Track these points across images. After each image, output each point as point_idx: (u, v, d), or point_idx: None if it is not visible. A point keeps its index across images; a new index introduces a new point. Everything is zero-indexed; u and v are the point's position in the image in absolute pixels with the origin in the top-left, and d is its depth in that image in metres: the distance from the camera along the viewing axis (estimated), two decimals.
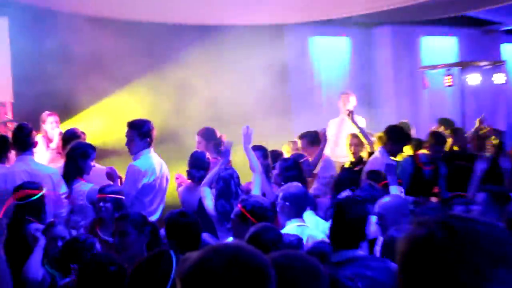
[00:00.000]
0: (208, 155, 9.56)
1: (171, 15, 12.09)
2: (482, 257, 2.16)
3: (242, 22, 12.89)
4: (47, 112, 10.75)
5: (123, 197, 7.81)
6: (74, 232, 7.00)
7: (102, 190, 7.78)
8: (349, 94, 12.62)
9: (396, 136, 10.32)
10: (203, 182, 8.36)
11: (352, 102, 12.29)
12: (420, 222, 2.26)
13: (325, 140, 10.01)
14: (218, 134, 10.35)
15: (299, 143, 11.04)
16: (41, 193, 7.17)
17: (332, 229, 5.66)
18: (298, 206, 6.76)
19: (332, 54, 16.30)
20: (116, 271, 4.80)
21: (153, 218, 8.46)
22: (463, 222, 2.23)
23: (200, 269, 2.27)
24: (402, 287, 2.33)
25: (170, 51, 12.80)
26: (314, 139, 10.54)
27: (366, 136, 11.21)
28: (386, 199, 6.89)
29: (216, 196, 8.07)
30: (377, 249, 6.33)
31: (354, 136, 11.42)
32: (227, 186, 7.99)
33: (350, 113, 11.62)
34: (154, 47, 12.56)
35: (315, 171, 9.70)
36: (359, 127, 11.40)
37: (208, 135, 10.32)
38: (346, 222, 5.52)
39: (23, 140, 8.32)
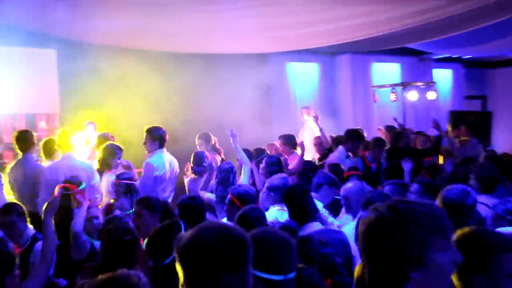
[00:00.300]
0: (206, 153, 9.69)
1: (180, 45, 12.06)
2: (422, 230, 2.27)
3: (236, 51, 12.88)
4: (88, 120, 10.84)
5: (134, 182, 7.87)
6: (118, 212, 7.12)
7: (118, 176, 7.90)
8: (309, 108, 13.19)
9: (354, 137, 10.49)
10: (200, 187, 8.62)
11: (312, 113, 12.56)
12: (373, 207, 2.39)
13: (304, 149, 10.03)
14: (213, 138, 10.56)
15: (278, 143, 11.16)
16: (82, 187, 7.13)
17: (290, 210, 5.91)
18: (279, 194, 6.64)
19: (304, 76, 16.41)
20: (130, 240, 4.81)
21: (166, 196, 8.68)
22: (406, 204, 2.34)
23: (195, 242, 2.31)
24: (364, 262, 2.42)
25: (180, 72, 12.76)
26: (288, 141, 10.76)
27: (324, 136, 11.51)
28: (349, 185, 6.94)
29: (216, 183, 8.16)
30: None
31: (317, 137, 11.73)
32: (227, 176, 8.05)
33: (316, 118, 11.76)
34: (166, 70, 12.47)
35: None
36: (320, 130, 11.60)
37: (206, 138, 10.47)
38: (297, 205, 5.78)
39: (66, 142, 8.35)
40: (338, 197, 7.35)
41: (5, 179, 8.43)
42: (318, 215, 6.02)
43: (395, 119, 13.07)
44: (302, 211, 5.77)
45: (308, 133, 12.76)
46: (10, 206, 6.57)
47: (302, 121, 13.21)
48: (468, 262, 2.49)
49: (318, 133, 11.85)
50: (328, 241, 4.31)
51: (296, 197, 5.89)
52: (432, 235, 2.26)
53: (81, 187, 7.03)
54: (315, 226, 5.62)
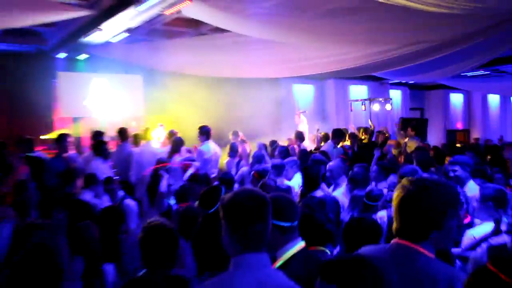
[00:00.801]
0: (238, 144, 9.75)
1: (222, 72, 12.01)
2: (443, 202, 2.25)
3: (257, 76, 12.79)
4: (159, 123, 10.86)
5: (191, 163, 7.78)
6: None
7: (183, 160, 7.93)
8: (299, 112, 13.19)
9: (337, 134, 10.42)
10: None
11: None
12: (408, 182, 2.36)
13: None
14: (240, 134, 10.58)
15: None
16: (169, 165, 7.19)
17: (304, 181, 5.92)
18: (295, 168, 7.04)
19: (304, 93, 16.22)
20: None
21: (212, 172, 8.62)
22: (431, 182, 2.31)
23: (232, 201, 2.30)
24: (397, 222, 2.37)
25: (221, 90, 12.77)
26: (298, 136, 10.91)
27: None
28: (332, 163, 7.07)
29: (253, 162, 8.20)
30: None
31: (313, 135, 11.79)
32: (260, 159, 7.97)
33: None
34: (212, 88, 12.51)
35: None
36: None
37: (236, 134, 10.60)
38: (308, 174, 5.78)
39: (147, 136, 8.36)
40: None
41: None
42: (321, 185, 5.96)
43: (370, 122, 13.46)
44: (311, 182, 5.74)
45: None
46: (110, 178, 6.52)
47: (297, 123, 13.00)
48: None
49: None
50: (326, 201, 4.52)
51: (308, 173, 5.86)
52: (449, 207, 2.26)
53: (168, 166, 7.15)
54: (319, 192, 5.63)
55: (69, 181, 6.32)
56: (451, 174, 5.87)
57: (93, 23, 8.77)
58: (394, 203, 2.38)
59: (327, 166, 7.03)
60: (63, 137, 7.98)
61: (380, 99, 15.91)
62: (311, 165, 6.49)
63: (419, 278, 2.22)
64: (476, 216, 4.68)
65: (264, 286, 2.16)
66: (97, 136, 8.80)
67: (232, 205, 2.29)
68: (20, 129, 10.45)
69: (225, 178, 6.25)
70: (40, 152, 8.55)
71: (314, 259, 2.86)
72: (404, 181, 2.39)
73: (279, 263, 2.74)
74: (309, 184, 5.76)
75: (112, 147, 9.50)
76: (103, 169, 7.32)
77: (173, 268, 3.35)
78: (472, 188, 5.54)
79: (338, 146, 10.25)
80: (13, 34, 10.21)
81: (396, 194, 2.37)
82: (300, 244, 2.85)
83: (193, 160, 8.07)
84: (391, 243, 2.41)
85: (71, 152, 8.44)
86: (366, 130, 12.64)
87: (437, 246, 2.33)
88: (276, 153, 9.08)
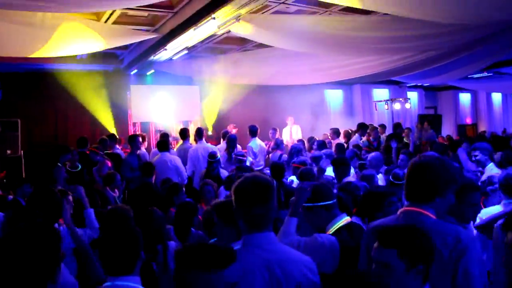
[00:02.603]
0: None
1: (265, 80, 12.03)
2: (447, 176, 2.27)
3: (295, 83, 12.79)
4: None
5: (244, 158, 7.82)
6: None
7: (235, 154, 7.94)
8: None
9: (362, 127, 10.51)
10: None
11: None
12: (422, 156, 2.39)
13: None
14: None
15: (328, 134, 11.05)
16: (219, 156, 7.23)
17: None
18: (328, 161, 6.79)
19: (334, 96, 16.11)
20: None
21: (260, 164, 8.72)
22: (440, 160, 2.34)
23: (238, 185, 2.18)
24: (407, 187, 2.38)
25: (265, 96, 12.80)
26: (334, 132, 10.60)
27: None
28: (372, 154, 7.13)
29: (291, 153, 7.86)
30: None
31: (345, 131, 11.34)
32: (299, 151, 7.77)
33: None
34: (258, 95, 12.52)
35: None
36: None
37: (275, 130, 10.48)
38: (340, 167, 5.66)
39: (201, 134, 8.39)
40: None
41: None
42: (349, 173, 5.89)
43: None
44: (343, 170, 5.66)
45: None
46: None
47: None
48: None
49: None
50: (358, 186, 4.39)
51: (339, 163, 5.78)
52: (451, 181, 2.28)
53: (218, 158, 7.14)
54: (350, 178, 5.59)
55: (149, 173, 6.43)
56: (473, 158, 5.87)
57: (159, 44, 9.03)
58: (407, 173, 2.39)
59: (369, 156, 7.05)
60: (135, 138, 8.19)
61: (401, 99, 15.74)
62: (343, 155, 6.41)
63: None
64: (493, 197, 4.55)
65: (267, 262, 2.05)
66: (164, 136, 9.00)
67: (238, 189, 2.18)
68: (101, 132, 10.88)
69: (274, 165, 5.97)
70: (118, 149, 8.84)
71: (358, 229, 2.87)
72: (417, 157, 2.43)
73: (330, 232, 2.76)
74: (342, 172, 5.64)
75: (174, 145, 9.72)
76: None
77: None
78: (491, 170, 5.50)
79: (364, 138, 10.22)
80: (96, 56, 10.62)
81: (411, 164, 2.38)
82: (346, 218, 2.88)
83: (243, 155, 8.10)
84: (398, 212, 2.40)
85: (142, 150, 8.66)
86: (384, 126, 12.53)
87: (438, 212, 2.30)
88: (314, 146, 9.07)
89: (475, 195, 3.04)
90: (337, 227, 2.80)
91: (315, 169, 6.30)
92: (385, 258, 1.90)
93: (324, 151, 7.63)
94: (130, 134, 11.22)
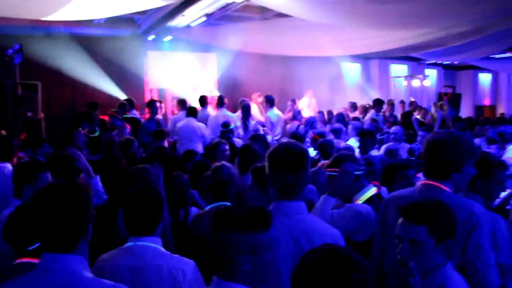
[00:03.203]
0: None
1: (283, 51, 11.98)
2: (464, 151, 2.27)
3: (313, 55, 12.68)
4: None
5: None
6: None
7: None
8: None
9: (378, 103, 10.35)
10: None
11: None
12: (438, 132, 2.41)
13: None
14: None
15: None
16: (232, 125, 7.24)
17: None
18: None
19: (351, 70, 15.96)
20: None
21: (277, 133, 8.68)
22: (457, 134, 2.34)
23: (270, 153, 2.15)
24: (424, 162, 2.38)
25: (281, 67, 12.69)
26: (351, 105, 11.01)
27: None
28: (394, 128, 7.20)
29: (306, 124, 8.00)
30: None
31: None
32: (312, 122, 7.82)
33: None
34: (275, 64, 12.39)
35: None
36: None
37: (293, 101, 10.69)
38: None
39: (222, 101, 8.41)
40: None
41: None
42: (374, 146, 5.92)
43: (411, 99, 12.92)
44: (367, 143, 5.64)
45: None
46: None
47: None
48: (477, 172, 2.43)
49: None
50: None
51: (365, 135, 5.76)
52: (468, 155, 2.27)
53: (231, 127, 7.16)
54: (375, 151, 5.63)
55: (160, 138, 6.48)
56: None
57: (177, 10, 8.99)
58: (423, 149, 2.39)
59: (391, 130, 7.09)
60: (153, 103, 8.26)
61: (420, 76, 15.56)
62: (368, 129, 6.38)
63: None
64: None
65: (293, 232, 2.02)
66: (184, 103, 9.04)
67: (271, 155, 2.15)
68: (118, 96, 10.95)
69: (295, 138, 5.82)
70: (135, 114, 8.91)
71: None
72: (433, 132, 2.44)
73: (360, 201, 2.80)
74: (367, 144, 5.62)
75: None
76: None
77: None
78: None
79: (380, 113, 10.18)
80: (113, 21, 10.58)
81: (425, 142, 2.38)
82: (374, 188, 2.91)
83: (263, 125, 8.11)
84: (417, 184, 2.41)
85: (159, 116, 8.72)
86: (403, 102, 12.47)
87: (456, 187, 2.31)
88: (334, 119, 9.09)
89: (501, 173, 3.04)
90: (366, 197, 2.83)
91: (336, 141, 6.32)
92: (415, 235, 1.90)
93: (354, 122, 7.65)
94: (145, 99, 11.32)
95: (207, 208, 3.22)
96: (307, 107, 11.77)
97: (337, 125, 7.55)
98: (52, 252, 1.73)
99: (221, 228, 1.63)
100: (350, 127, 7.33)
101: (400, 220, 1.95)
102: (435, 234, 1.89)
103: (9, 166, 4.32)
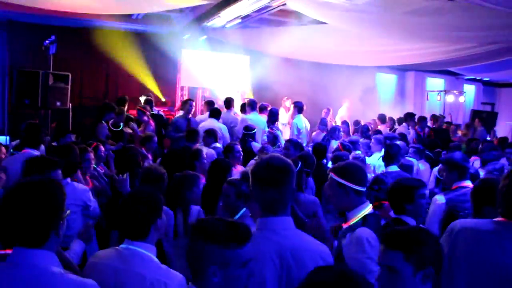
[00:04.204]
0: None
1: (317, 58, 11.82)
2: None
3: (348, 63, 12.45)
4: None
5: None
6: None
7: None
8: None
9: (410, 116, 10.27)
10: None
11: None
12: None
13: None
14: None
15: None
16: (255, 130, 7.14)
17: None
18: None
19: (386, 81, 15.65)
20: None
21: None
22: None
23: (253, 168, 2.12)
24: (504, 207, 2.21)
25: (313, 74, 12.39)
26: (380, 117, 10.61)
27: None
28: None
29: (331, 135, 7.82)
30: None
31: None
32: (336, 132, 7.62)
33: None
34: (310, 73, 12.15)
35: None
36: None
37: (328, 110, 10.58)
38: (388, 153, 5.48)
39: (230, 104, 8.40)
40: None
41: None
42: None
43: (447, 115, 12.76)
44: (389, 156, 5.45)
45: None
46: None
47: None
48: None
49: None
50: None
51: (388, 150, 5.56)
52: None
53: (253, 131, 7.08)
54: (394, 167, 5.38)
55: (192, 139, 6.42)
56: None
57: (213, 11, 8.96)
58: (501, 189, 2.22)
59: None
60: (188, 102, 8.31)
61: (455, 91, 15.14)
62: (391, 143, 6.19)
63: None
64: None
65: (279, 248, 1.96)
66: (211, 104, 9.03)
67: (252, 171, 2.11)
68: (149, 92, 11.01)
69: (320, 148, 5.95)
70: (160, 111, 8.97)
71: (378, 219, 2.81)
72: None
73: (356, 219, 2.64)
74: (387, 159, 5.49)
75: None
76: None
77: None
78: None
79: (411, 130, 9.92)
80: (150, 18, 10.66)
81: (504, 182, 2.21)
82: (370, 206, 2.78)
83: (278, 130, 7.98)
84: (494, 220, 2.24)
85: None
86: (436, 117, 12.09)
87: None
88: (359, 132, 8.91)
89: None
90: (363, 214, 2.69)
91: (353, 152, 6.19)
92: (390, 261, 1.82)
93: (375, 137, 7.42)
94: (176, 97, 11.59)
95: None
96: (346, 116, 11.60)
97: (354, 137, 7.41)
98: (22, 246, 1.77)
99: (197, 238, 1.71)
100: (373, 140, 7.11)
101: (381, 247, 1.89)
102: (411, 260, 1.79)
103: (35, 153, 4.34)
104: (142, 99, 9.49)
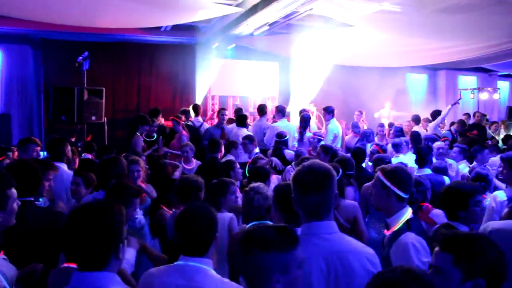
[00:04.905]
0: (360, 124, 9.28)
1: (346, 61, 11.70)
2: None
3: (377, 65, 12.27)
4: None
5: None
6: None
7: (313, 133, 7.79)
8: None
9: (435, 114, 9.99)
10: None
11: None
12: None
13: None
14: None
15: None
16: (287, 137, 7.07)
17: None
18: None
19: (417, 81, 15.41)
20: None
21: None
22: None
23: (295, 174, 2.12)
24: None
25: (343, 77, 12.31)
26: (414, 120, 10.18)
27: None
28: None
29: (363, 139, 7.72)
30: None
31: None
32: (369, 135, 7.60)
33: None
34: (340, 76, 12.04)
35: None
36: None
37: (360, 113, 10.26)
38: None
39: (282, 112, 8.33)
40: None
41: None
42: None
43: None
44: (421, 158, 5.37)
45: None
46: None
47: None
48: None
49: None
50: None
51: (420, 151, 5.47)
52: None
53: (285, 138, 7.01)
54: (427, 170, 5.28)
55: (216, 149, 6.42)
56: None
57: (241, 19, 8.98)
58: None
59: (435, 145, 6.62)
60: (222, 111, 8.35)
61: (489, 88, 14.76)
62: (423, 145, 6.05)
63: None
64: None
65: (325, 253, 1.97)
66: (239, 111, 9.01)
67: (295, 178, 2.12)
68: (180, 104, 11.10)
69: (359, 152, 5.80)
70: (199, 120, 9.00)
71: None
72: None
73: (399, 225, 2.59)
74: (420, 161, 5.39)
75: (250, 121, 9.70)
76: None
77: None
78: None
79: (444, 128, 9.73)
80: (178, 29, 10.76)
81: None
82: (410, 210, 2.71)
83: (321, 136, 7.90)
84: None
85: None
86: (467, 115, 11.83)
87: None
88: (393, 131, 8.72)
89: None
90: (405, 219, 2.64)
91: (395, 155, 6.07)
92: (439, 262, 1.77)
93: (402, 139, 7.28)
94: (207, 106, 11.72)
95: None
96: (387, 118, 11.41)
97: (397, 139, 7.22)
98: (84, 270, 1.78)
99: (253, 250, 1.68)
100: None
101: (435, 248, 1.83)
102: (461, 266, 1.71)
103: (63, 167, 4.38)
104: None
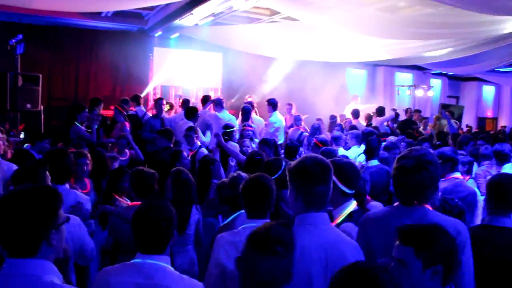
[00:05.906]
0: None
1: (288, 54, 11.71)
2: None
3: (319, 60, 12.35)
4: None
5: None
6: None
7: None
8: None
9: (381, 111, 10.34)
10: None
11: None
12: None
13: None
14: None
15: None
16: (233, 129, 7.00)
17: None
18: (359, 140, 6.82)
19: (357, 77, 15.69)
20: None
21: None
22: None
23: (299, 165, 2.21)
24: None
25: (285, 70, 12.35)
26: (354, 113, 10.39)
27: None
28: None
29: (311, 132, 7.71)
30: None
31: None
32: (317, 129, 7.54)
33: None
34: (281, 69, 12.08)
35: None
36: None
37: (290, 105, 10.01)
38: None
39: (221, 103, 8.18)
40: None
41: None
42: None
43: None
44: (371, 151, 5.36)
45: None
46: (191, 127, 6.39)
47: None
48: None
49: None
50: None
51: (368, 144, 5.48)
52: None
53: (231, 129, 6.93)
54: (375, 162, 5.27)
55: (169, 137, 6.19)
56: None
57: (185, 8, 8.77)
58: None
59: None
60: (159, 101, 8.10)
61: (424, 86, 15.31)
62: (373, 137, 6.10)
63: None
64: None
65: (323, 242, 2.10)
66: (187, 103, 8.83)
67: (300, 169, 2.19)
68: (121, 93, 10.72)
69: (292, 146, 5.73)
70: (142, 109, 8.71)
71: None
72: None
73: (341, 218, 2.69)
74: (369, 153, 5.38)
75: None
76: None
77: None
78: None
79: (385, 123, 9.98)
80: (121, 15, 10.39)
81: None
82: (354, 203, 2.81)
83: (250, 127, 7.75)
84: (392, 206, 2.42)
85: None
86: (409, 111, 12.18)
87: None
88: (333, 126, 8.85)
89: None
90: (348, 211, 2.76)
91: (336, 148, 6.09)
92: (402, 256, 1.86)
93: (351, 132, 7.33)
94: (148, 96, 11.34)
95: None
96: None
97: (337, 133, 7.31)
98: (14, 257, 1.74)
99: (266, 254, 1.75)
100: (348, 135, 7.05)
101: (397, 241, 1.92)
102: (421, 256, 1.83)
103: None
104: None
